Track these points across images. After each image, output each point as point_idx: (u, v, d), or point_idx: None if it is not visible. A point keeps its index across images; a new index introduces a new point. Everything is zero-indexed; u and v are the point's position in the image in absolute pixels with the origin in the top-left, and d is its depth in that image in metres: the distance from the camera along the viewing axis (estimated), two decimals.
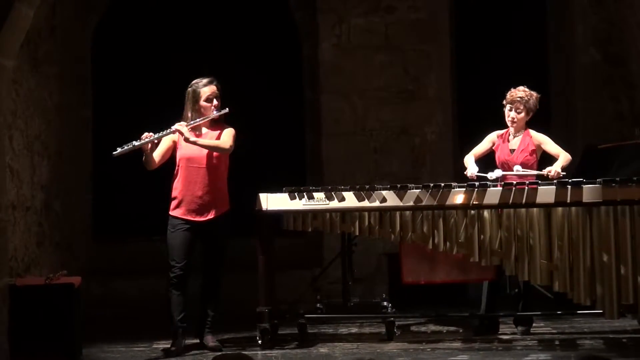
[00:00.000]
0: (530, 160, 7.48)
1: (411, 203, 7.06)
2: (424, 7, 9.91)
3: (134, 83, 10.20)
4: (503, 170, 7.45)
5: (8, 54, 6.51)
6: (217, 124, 7.33)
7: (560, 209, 6.79)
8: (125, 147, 7.02)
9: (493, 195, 6.93)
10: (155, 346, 7.48)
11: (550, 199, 6.80)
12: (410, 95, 9.67)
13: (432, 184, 7.17)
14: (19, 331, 6.79)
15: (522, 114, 7.50)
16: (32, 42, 8.63)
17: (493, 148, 7.63)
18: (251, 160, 9.99)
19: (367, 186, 7.24)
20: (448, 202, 7.00)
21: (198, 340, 7.31)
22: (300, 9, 10.34)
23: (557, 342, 7.14)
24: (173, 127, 7.17)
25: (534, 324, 7.56)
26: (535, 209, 6.83)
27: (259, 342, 7.24)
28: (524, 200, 6.85)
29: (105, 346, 7.55)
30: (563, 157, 7.41)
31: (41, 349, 6.85)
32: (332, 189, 7.26)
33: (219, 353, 7.00)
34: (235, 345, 7.35)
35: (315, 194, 7.24)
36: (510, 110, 7.52)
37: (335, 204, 7.20)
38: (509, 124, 7.55)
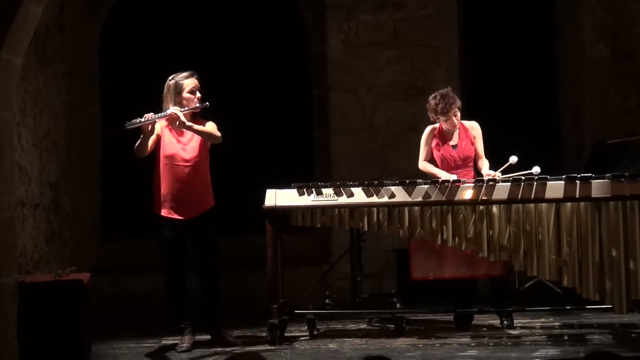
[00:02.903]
0: (473, 151, 7.57)
1: (420, 199, 7.05)
2: (432, 3, 9.89)
3: (142, 79, 10.19)
4: (445, 167, 7.55)
5: (16, 51, 6.50)
6: (196, 119, 7.19)
7: (569, 204, 6.77)
8: (134, 122, 6.93)
9: (502, 190, 6.92)
10: (164, 342, 7.49)
11: (559, 194, 6.78)
12: (419, 91, 9.65)
13: (440, 180, 7.18)
14: (27, 328, 6.79)
15: (459, 113, 7.55)
16: (40, 40, 8.64)
17: (433, 146, 7.64)
18: (259, 156, 9.99)
19: (376, 182, 7.23)
20: (457, 198, 6.99)
21: (209, 337, 7.30)
22: (309, 5, 10.33)
23: (566, 337, 7.13)
24: (169, 111, 7.04)
25: (542, 319, 7.55)
26: (544, 204, 6.81)
27: (268, 338, 7.24)
28: (532, 196, 6.83)
29: (114, 343, 7.57)
30: (487, 163, 7.52)
31: (50, 345, 6.85)
32: (340, 185, 7.25)
33: (235, 348, 7.02)
34: (245, 342, 7.35)
35: (324, 190, 7.23)
36: (448, 119, 7.51)
37: (344, 199, 7.19)
38: (452, 128, 7.57)
